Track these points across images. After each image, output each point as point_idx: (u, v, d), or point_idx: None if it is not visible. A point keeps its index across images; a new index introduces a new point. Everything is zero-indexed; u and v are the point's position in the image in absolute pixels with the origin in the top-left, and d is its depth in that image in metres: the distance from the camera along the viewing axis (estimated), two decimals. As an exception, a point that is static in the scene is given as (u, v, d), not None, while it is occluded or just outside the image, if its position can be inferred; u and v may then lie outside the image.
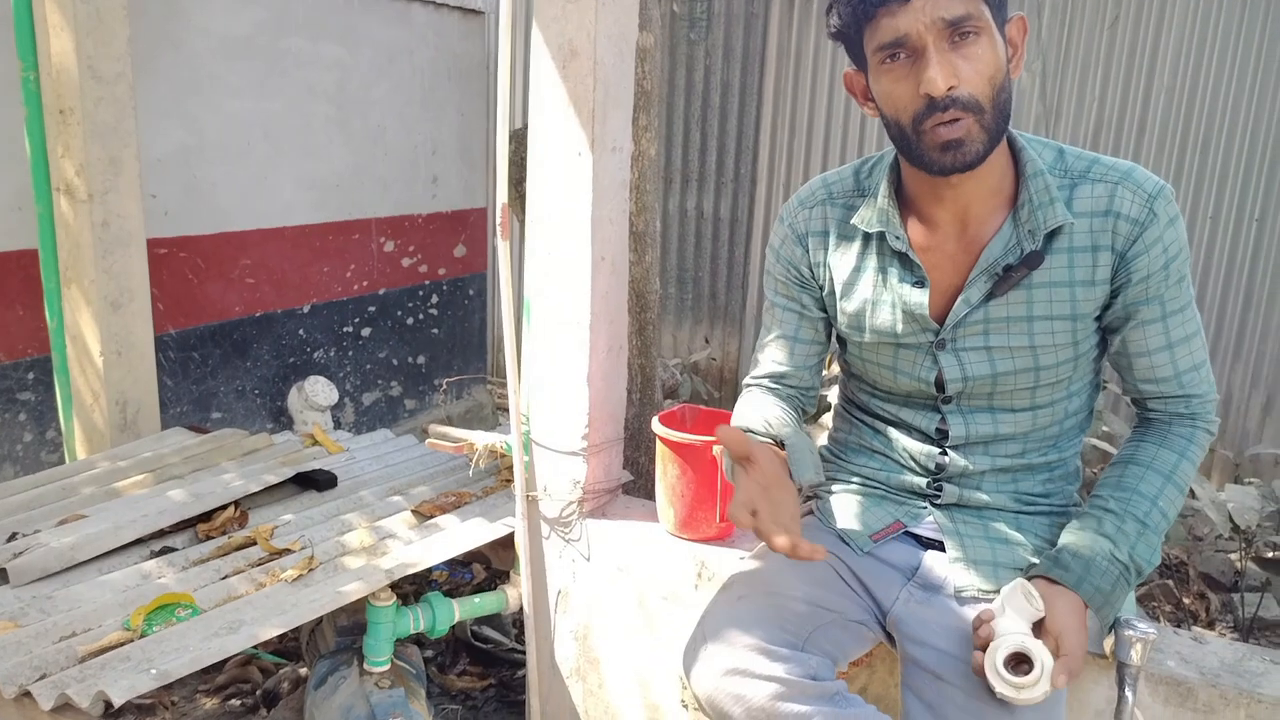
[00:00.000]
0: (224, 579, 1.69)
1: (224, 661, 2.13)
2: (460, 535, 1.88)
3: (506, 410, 2.89)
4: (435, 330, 4.09)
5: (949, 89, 1.13)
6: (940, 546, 1.37)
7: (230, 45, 2.95)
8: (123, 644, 1.45)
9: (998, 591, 1.27)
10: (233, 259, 3.11)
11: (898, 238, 1.30)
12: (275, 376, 3.34)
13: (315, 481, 2.10)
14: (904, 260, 1.31)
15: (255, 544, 1.82)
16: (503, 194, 1.75)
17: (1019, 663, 1.15)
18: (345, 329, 3.62)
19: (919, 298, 1.30)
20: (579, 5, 1.64)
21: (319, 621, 1.89)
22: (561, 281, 1.76)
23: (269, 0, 3.06)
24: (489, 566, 2.29)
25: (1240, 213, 3.60)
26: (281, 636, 2.07)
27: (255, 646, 2.05)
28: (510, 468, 2.04)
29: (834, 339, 1.49)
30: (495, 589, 1.99)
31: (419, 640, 2.17)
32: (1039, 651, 1.13)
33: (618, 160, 1.78)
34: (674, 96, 4.28)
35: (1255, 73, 3.49)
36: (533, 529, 1.90)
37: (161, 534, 1.83)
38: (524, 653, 2.12)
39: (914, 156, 1.22)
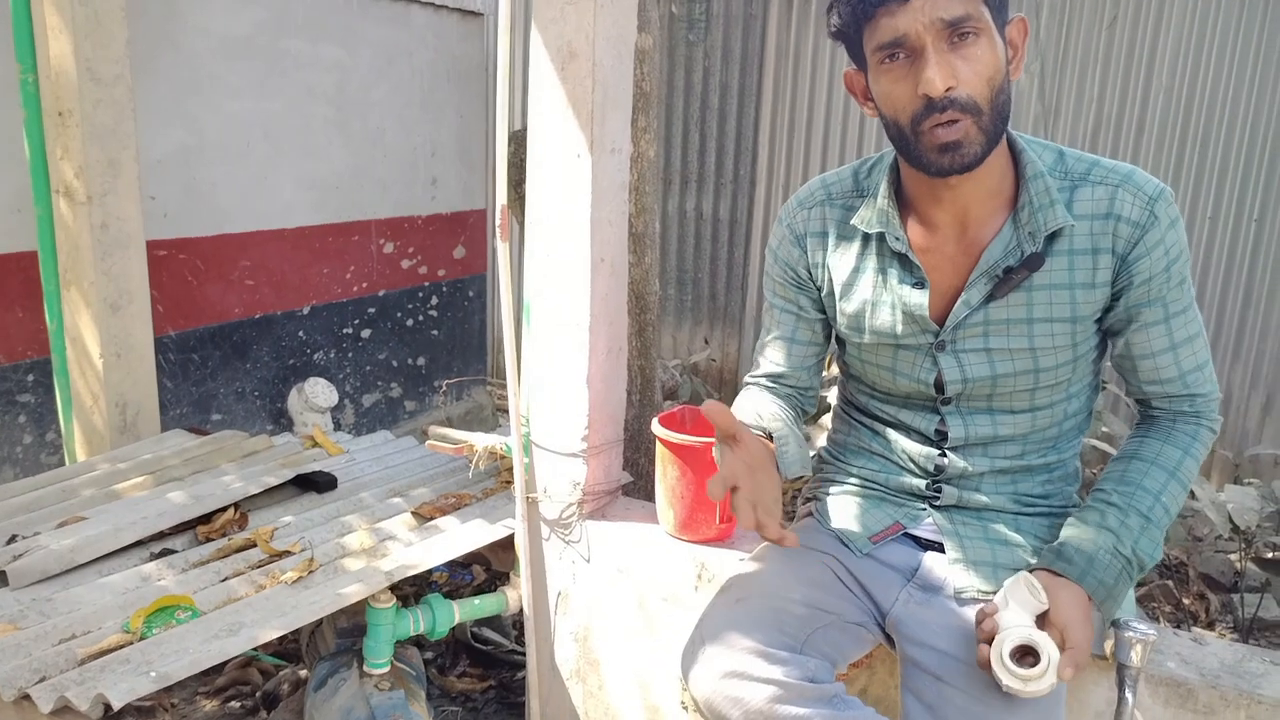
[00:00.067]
0: (224, 581, 1.69)
1: (224, 664, 2.13)
2: (460, 537, 1.88)
3: (506, 412, 2.89)
4: (435, 332, 4.09)
5: (947, 90, 1.14)
6: (939, 548, 1.38)
7: (229, 46, 2.95)
8: (122, 646, 1.45)
9: (997, 592, 1.27)
10: (232, 260, 3.11)
11: (897, 238, 1.30)
12: (275, 378, 3.34)
13: (315, 483, 2.10)
14: (904, 261, 1.31)
15: (255, 546, 1.81)
16: (502, 195, 1.75)
17: (1024, 655, 1.14)
18: (345, 330, 3.62)
19: (919, 299, 1.30)
20: (578, 7, 1.65)
21: (319, 623, 1.89)
22: (561, 283, 1.76)
23: (268, 1, 3.06)
24: (489, 568, 2.29)
25: (1239, 212, 3.60)
26: (281, 638, 2.07)
27: (255, 648, 2.04)
28: (510, 469, 2.04)
29: (833, 340, 1.49)
30: (495, 591, 1.99)
31: (419, 642, 2.17)
32: (1045, 644, 1.12)
33: (617, 162, 1.78)
34: (673, 98, 4.28)
35: (1253, 72, 3.49)
36: (533, 531, 1.90)
37: (161, 536, 1.83)
38: (524, 654, 2.13)
39: (912, 157, 1.22)
